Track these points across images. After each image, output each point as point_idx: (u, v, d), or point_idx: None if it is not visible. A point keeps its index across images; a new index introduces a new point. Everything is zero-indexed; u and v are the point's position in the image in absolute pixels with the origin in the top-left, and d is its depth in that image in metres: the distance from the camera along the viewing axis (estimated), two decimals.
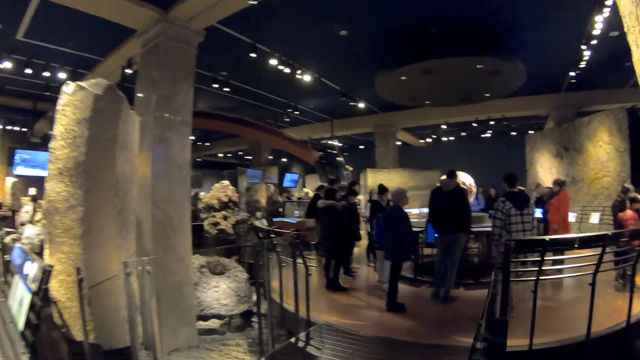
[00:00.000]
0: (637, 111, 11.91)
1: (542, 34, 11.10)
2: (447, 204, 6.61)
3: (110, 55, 10.41)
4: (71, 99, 4.17)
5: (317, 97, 16.63)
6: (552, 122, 18.60)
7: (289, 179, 24.65)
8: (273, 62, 11.26)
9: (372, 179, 18.05)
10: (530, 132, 20.97)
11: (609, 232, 5.07)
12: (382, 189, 8.94)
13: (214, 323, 6.64)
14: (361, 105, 16.94)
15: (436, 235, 7.02)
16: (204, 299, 6.69)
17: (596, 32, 10.19)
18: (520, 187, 6.24)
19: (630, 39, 2.89)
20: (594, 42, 10.74)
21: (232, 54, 11.26)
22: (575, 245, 4.75)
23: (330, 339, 5.27)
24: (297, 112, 18.21)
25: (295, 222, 9.61)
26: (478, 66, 11.38)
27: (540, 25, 10.62)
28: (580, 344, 4.63)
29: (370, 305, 6.81)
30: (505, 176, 6.22)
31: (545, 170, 15.68)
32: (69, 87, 4.24)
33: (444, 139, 25.72)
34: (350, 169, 23.85)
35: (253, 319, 7.11)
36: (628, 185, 8.52)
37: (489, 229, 7.79)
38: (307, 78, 12.78)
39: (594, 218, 11.82)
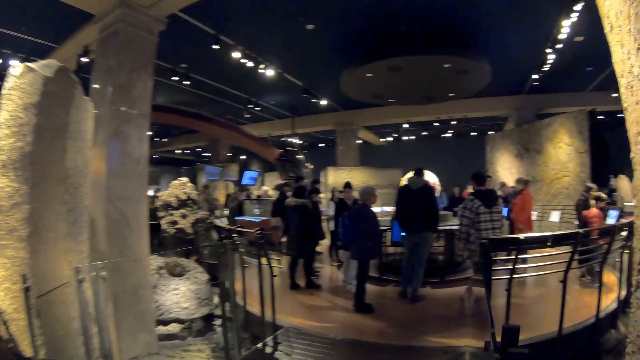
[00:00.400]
0: (597, 114, 12.19)
1: (509, 36, 11.24)
2: (415, 203, 6.47)
3: (65, 41, 9.86)
4: (18, 82, 3.67)
5: (279, 93, 16.42)
6: (512, 124, 18.93)
7: (248, 176, 24.19)
8: (236, 55, 10.94)
9: (333, 177, 17.95)
10: (490, 132, 21.34)
11: (580, 230, 5.21)
12: (348, 186, 8.86)
13: (174, 328, 6.25)
14: (323, 102, 16.74)
15: (403, 233, 6.88)
16: (163, 303, 6.29)
17: (562, 36, 10.37)
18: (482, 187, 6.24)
19: (614, 38, 2.86)
20: (559, 46, 10.92)
21: (194, 45, 10.86)
22: (549, 244, 4.83)
23: (299, 342, 5.03)
24: (258, 109, 17.95)
25: (259, 220, 9.28)
26: (445, 65, 11.38)
27: (509, 27, 10.73)
28: (552, 340, 4.70)
29: (337, 306, 6.60)
30: (473, 175, 6.17)
31: (505, 170, 15.81)
32: (16, 69, 3.72)
33: (405, 138, 25.93)
34: (311, 166, 23.67)
35: (215, 323, 6.78)
36: (590, 184, 8.63)
37: (454, 227, 7.75)
38: (270, 73, 12.49)
39: (554, 217, 12.08)
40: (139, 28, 6.08)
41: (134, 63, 5.99)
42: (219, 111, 18.61)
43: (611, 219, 7.91)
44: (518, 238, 4.63)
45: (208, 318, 6.70)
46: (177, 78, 13.07)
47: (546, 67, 12.67)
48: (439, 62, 11.54)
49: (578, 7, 8.93)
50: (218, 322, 6.74)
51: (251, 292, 5.86)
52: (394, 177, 19.00)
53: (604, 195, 8.06)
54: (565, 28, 9.94)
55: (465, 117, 20.15)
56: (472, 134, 24.72)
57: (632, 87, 2.71)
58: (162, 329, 6.13)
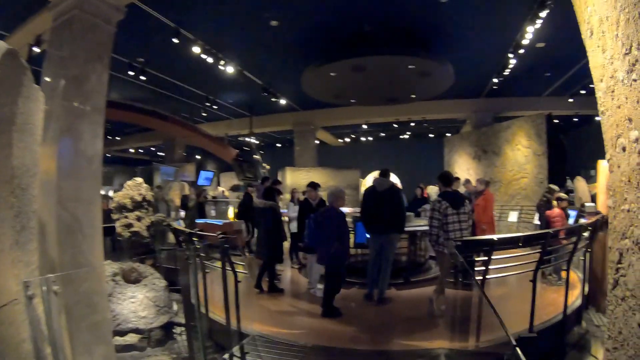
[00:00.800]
0: (554, 118, 12.63)
1: (474, 39, 11.40)
2: (382, 204, 6.32)
3: (17, 30, 9.24)
4: None
5: (237, 91, 16.10)
6: (469, 126, 19.32)
7: (203, 177, 23.59)
8: (196, 49, 10.55)
9: (292, 177, 17.83)
10: (447, 135, 21.65)
11: (550, 230, 5.38)
12: (312, 186, 8.60)
13: (132, 338, 5.86)
14: (282, 101, 16.53)
15: (368, 235, 6.73)
16: (120, 312, 5.87)
17: (525, 41, 10.58)
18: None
19: (594, 44, 2.88)
20: (521, 51, 11.17)
21: (152, 39, 10.42)
22: (520, 244, 4.87)
23: (267, 351, 4.78)
24: (216, 107, 17.50)
25: (221, 224, 8.87)
26: (410, 67, 11.39)
27: (474, 31, 10.85)
28: (524, 338, 4.72)
29: (304, 311, 6.36)
30: (440, 176, 6.09)
31: (463, 171, 16.03)
32: None
33: (363, 139, 25.97)
34: (267, 167, 23.37)
35: (175, 331, 6.43)
36: (553, 186, 8.82)
37: (417, 228, 7.95)
38: (229, 70, 12.14)
39: (512, 217, 12.42)
40: (95, 16, 5.62)
41: (89, 54, 5.53)
42: (175, 109, 18.05)
43: (571, 219, 8.22)
44: (492, 239, 4.70)
45: (167, 327, 6.34)
46: (133, 73, 12.48)
47: (507, 72, 12.96)
48: (403, 63, 11.55)
49: (543, 13, 9.14)
50: (178, 330, 6.41)
51: (213, 298, 5.54)
52: (352, 178, 19.14)
53: (565, 196, 8.29)
54: (528, 34, 10.15)
55: (424, 119, 20.39)
56: (430, 135, 25.02)
57: (612, 92, 2.69)
58: (119, 340, 5.73)
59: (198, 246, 5.30)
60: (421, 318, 5.85)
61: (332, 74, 12.18)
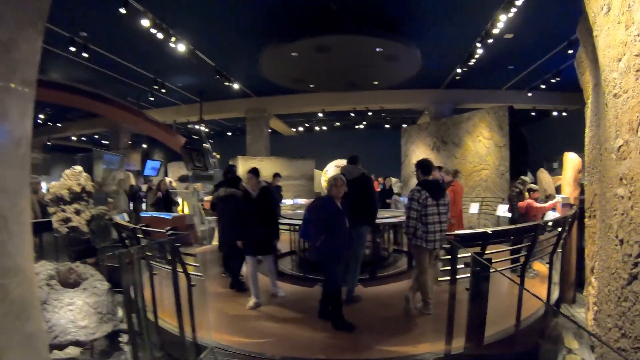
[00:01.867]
0: (515, 110, 12.60)
1: (444, 25, 11.22)
2: (350, 194, 5.69)
3: None
4: None
5: (188, 73, 15.25)
6: (427, 117, 19.47)
7: (150, 166, 22.43)
8: (145, 23, 9.70)
9: (243, 167, 17.05)
10: (403, 125, 21.57)
11: (540, 222, 5.34)
12: (254, 172, 8.16)
13: (72, 351, 5.07)
14: (235, 86, 15.85)
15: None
16: (57, 322, 5.04)
17: (496, 30, 10.61)
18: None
19: (613, 20, 2.73)
20: (490, 40, 11.24)
21: (97, 9, 9.54)
22: (512, 237, 5.01)
23: None
24: (164, 91, 16.53)
25: (170, 217, 7.96)
26: (377, 49, 11.00)
27: (445, 17, 10.67)
28: (512, 335, 4.66)
29: (269, 316, 5.75)
30: (419, 163, 5.69)
31: None
32: None
33: (317, 128, 25.51)
34: (218, 156, 22.51)
35: (122, 340, 5.68)
36: (525, 177, 8.83)
37: (385, 220, 7.86)
38: (180, 48, 11.33)
39: (473, 208, 12.46)
40: None
41: (21, 15, 4.70)
42: (121, 92, 16.87)
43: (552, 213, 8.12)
44: (486, 232, 4.44)
45: (112, 336, 5.56)
46: (74, 49, 11.42)
47: (472, 62, 13.11)
48: (371, 45, 11.19)
49: (519, 2, 9.11)
50: (126, 339, 5.68)
51: (164, 304, 4.92)
52: (306, 168, 18.78)
53: (536, 187, 8.40)
54: (500, 22, 10.14)
55: (382, 109, 20.09)
56: (386, 126, 24.88)
57: (638, 71, 2.48)
58: (58, 354, 4.96)
59: (144, 244, 4.65)
60: (398, 318, 5.45)
61: (293, 54, 11.65)
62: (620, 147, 2.71)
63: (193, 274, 4.71)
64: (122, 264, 4.34)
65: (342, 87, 15.74)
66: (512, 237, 4.71)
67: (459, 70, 14.43)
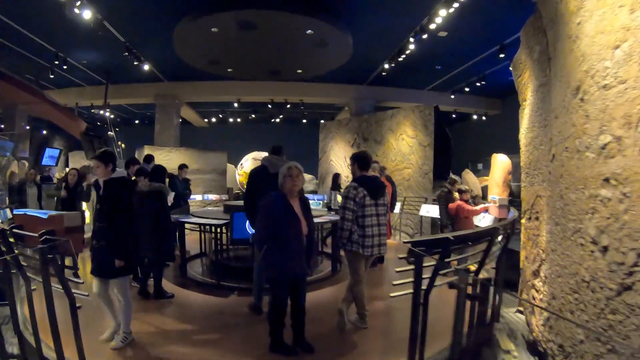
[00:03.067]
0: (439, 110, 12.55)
1: (380, 15, 10.86)
2: (275, 189, 4.99)
3: None
4: None
5: (94, 49, 13.73)
6: (346, 114, 19.40)
7: (48, 154, 20.18)
8: None
9: None
10: (321, 121, 21.26)
11: (498, 226, 4.90)
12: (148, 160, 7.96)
13: None
14: (145, 67, 14.44)
15: (252, 230, 5.42)
16: None
17: (432, 26, 10.57)
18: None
19: (613, 3, 2.55)
20: (425, 36, 11.20)
21: None
22: (470, 243, 4.29)
23: None
24: (66, 67, 14.72)
25: (46, 217, 5.83)
26: (308, 32, 10.35)
27: (380, 5, 10.30)
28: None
29: (177, 337, 4.70)
30: (356, 156, 5.01)
31: (339, 159, 15.51)
32: None
33: (231, 120, 24.45)
34: (123, 146, 20.86)
35: None
36: (454, 177, 8.59)
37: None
38: (86, 16, 9.93)
39: (395, 208, 11.86)
40: None
41: None
42: (16, 67, 14.62)
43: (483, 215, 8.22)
44: (447, 238, 3.70)
45: None
46: None
47: (401, 58, 12.97)
48: (301, 25, 10.53)
49: None
50: None
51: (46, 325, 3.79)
52: (218, 162, 17.63)
53: (467, 188, 8.15)
54: (438, 18, 10.06)
55: (301, 102, 19.49)
56: (303, 121, 24.35)
57: None
58: None
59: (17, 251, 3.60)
60: (330, 334, 4.70)
61: (213, 29, 10.67)
62: (606, 144, 2.56)
63: (78, 293, 3.61)
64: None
65: (263, 74, 14.95)
66: (470, 243, 4.17)
67: (386, 66, 14.18)
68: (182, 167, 10.13)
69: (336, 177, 10.87)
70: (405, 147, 12.90)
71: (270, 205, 3.97)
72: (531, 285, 4.31)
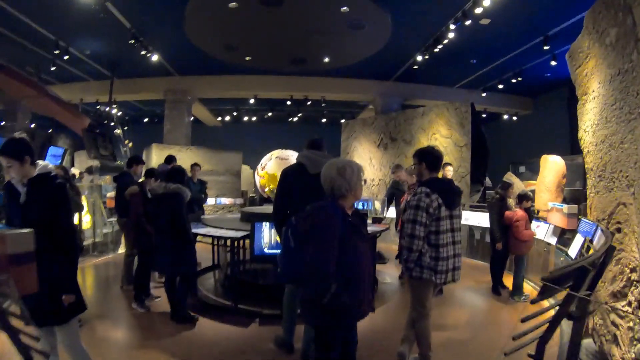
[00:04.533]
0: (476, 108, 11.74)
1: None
2: (317, 196, 3.79)
3: None
4: None
5: (97, 37, 12.64)
6: (370, 112, 18.40)
7: (51, 153, 19.15)
8: None
9: (158, 157, 14.71)
10: (341, 120, 20.25)
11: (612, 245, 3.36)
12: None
13: None
14: (154, 58, 13.42)
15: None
16: None
17: (478, 10, 9.91)
18: None
19: None
20: (468, 22, 10.42)
21: None
22: None
23: None
24: (67, 58, 13.61)
25: None
26: (343, 8, 9.25)
27: None
28: None
29: None
30: (422, 153, 3.89)
31: (364, 160, 14.40)
32: None
33: (246, 118, 23.37)
34: (130, 144, 19.82)
35: None
36: (509, 180, 7.53)
37: None
38: None
39: None
40: None
41: None
42: (13, 58, 13.49)
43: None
44: (584, 267, 2.49)
45: None
46: None
47: (437, 49, 12.15)
48: (335, 0, 9.58)
49: None
50: None
51: None
52: (233, 162, 16.64)
53: (529, 194, 6.86)
54: (486, 0, 9.41)
55: (323, 99, 18.27)
56: (322, 120, 23.25)
57: None
58: None
59: None
60: None
61: (231, 4, 9.66)
62: None
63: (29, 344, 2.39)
64: None
65: (284, 64, 13.90)
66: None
67: (419, 58, 13.22)
68: (194, 166, 9.08)
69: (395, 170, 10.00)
70: (438, 147, 11.63)
71: (334, 224, 2.59)
72: (609, 309, 3.61)
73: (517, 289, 6.38)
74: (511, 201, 6.87)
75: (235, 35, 11.80)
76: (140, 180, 6.43)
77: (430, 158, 3.79)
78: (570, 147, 15.49)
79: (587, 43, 4.41)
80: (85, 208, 10.74)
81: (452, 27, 10.90)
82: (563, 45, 12.19)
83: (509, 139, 20.53)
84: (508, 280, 6.73)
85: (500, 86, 16.46)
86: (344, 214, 2.68)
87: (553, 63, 13.32)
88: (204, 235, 5.82)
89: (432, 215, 3.57)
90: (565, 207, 6.80)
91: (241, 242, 5.86)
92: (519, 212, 6.43)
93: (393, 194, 8.49)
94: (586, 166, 4.72)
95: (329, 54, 13.40)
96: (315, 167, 3.80)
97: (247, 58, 13.60)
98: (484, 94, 17.33)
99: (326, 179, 2.78)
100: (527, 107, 19.89)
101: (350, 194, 2.76)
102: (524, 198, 6.57)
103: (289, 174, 4.18)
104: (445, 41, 11.66)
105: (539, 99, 19.26)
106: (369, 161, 14.19)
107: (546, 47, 12.25)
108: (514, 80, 15.52)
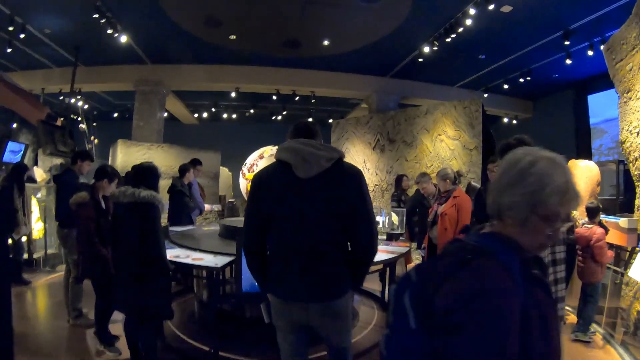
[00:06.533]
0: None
1: None
2: (318, 217, 2.49)
3: None
4: None
5: (58, 12, 11.02)
6: (361, 111, 17.44)
7: (10, 149, 17.37)
8: None
9: (125, 155, 13.21)
10: (329, 120, 18.95)
11: None
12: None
13: None
14: (123, 39, 11.75)
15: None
16: None
17: None
18: None
19: None
20: (491, 7, 9.47)
21: None
22: None
23: None
24: (24, 36, 11.87)
25: None
26: None
27: None
28: None
29: None
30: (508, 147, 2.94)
31: (357, 164, 13.12)
32: None
33: (225, 115, 21.87)
34: (96, 141, 18.23)
35: None
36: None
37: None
38: None
39: None
40: None
41: None
42: None
43: None
44: None
45: None
46: None
47: (449, 38, 11.16)
48: None
49: None
50: None
51: None
52: (210, 163, 14.80)
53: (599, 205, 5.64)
54: None
55: (313, 94, 16.76)
56: (309, 119, 21.87)
57: None
58: None
59: None
60: None
61: None
62: None
63: None
64: None
65: (275, 46, 12.47)
66: None
67: (426, 49, 12.05)
68: (195, 163, 7.98)
69: (400, 180, 8.94)
70: (444, 150, 10.82)
71: (511, 296, 1.22)
72: None
73: (586, 322, 5.33)
74: (577, 214, 5.98)
75: (219, 7, 10.28)
76: (91, 183, 4.94)
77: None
78: (577, 153, 14.72)
79: (636, 33, 4.17)
80: (37, 214, 9.35)
81: (471, 11, 9.82)
82: (582, 41, 11.52)
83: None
84: None
85: (506, 86, 15.52)
86: (522, 264, 1.33)
87: (568, 61, 12.39)
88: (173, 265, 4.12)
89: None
90: (622, 221, 5.65)
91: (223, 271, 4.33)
92: (597, 230, 5.26)
93: (415, 208, 7.15)
94: (635, 172, 4.42)
95: (329, 36, 12.03)
96: (310, 168, 2.46)
97: (232, 37, 12.00)
98: (485, 95, 16.37)
99: (506, 187, 1.37)
100: (527, 111, 19.06)
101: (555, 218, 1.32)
102: (596, 212, 5.39)
103: (263, 182, 2.62)
104: (460, 29, 10.60)
105: (539, 102, 18.50)
106: (363, 165, 13.03)
107: (567, 43, 11.36)
108: (521, 80, 14.56)
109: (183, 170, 7.45)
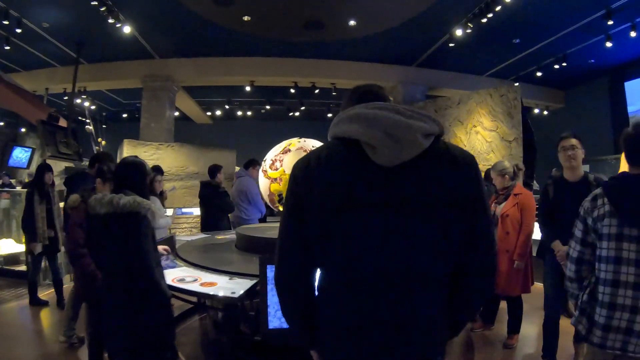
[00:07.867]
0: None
1: None
2: (399, 224, 1.40)
3: None
4: None
5: (54, 1, 10.30)
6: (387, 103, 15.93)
7: (16, 154, 16.77)
8: None
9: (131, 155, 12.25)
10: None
11: None
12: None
13: None
14: (126, 29, 11.05)
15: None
16: None
17: None
18: None
19: None
20: None
21: None
22: None
23: None
24: (19, 31, 11.20)
25: None
26: None
27: None
28: None
29: None
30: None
31: None
32: None
33: (240, 113, 21.09)
34: (103, 143, 17.55)
35: None
36: None
37: None
38: None
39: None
40: None
41: None
42: None
43: None
44: None
45: None
46: None
47: (485, 19, 10.39)
48: None
49: None
50: None
51: None
52: (225, 162, 13.58)
53: None
54: None
55: (334, 86, 15.73)
56: (328, 115, 20.86)
57: None
58: None
59: None
60: None
61: None
62: None
63: None
64: None
65: (294, 28, 11.49)
66: None
67: (458, 32, 11.25)
68: (253, 163, 7.94)
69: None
70: (481, 143, 10.25)
71: None
72: None
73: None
74: None
75: None
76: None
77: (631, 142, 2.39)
78: (614, 146, 13.94)
79: None
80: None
81: None
82: (624, 22, 10.77)
83: (540, 136, 18.92)
84: None
85: (539, 74, 14.66)
86: None
87: (608, 44, 11.51)
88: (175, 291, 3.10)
89: (599, 232, 2.32)
90: None
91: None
92: None
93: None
94: None
95: (356, 14, 10.97)
96: (400, 149, 1.41)
97: (246, 18, 10.93)
98: (516, 84, 15.53)
99: None
100: (558, 101, 18.14)
101: None
102: None
103: (316, 176, 1.53)
104: (498, 7, 9.77)
105: (571, 91, 17.57)
106: None
107: (610, 22, 10.50)
108: (556, 67, 13.70)
109: (213, 170, 7.72)
